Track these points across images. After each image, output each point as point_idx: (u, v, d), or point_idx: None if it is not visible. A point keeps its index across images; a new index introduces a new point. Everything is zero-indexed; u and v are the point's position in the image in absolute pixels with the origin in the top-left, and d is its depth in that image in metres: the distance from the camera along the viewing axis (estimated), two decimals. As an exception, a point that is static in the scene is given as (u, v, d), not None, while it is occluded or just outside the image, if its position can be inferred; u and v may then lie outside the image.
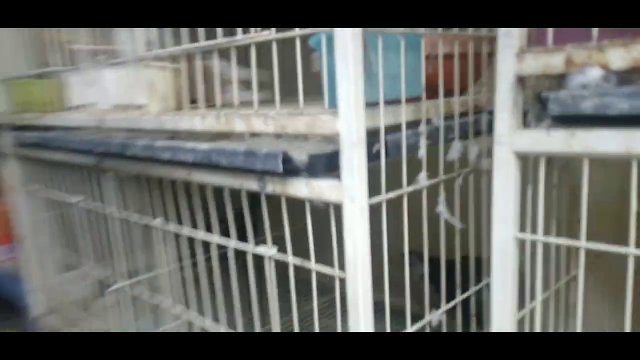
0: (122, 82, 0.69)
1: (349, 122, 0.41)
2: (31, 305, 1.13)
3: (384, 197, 0.46)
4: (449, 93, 0.52)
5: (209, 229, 0.62)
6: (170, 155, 0.57)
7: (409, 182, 0.49)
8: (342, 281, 0.45)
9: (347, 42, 0.39)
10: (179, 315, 0.71)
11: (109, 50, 0.72)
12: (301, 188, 0.46)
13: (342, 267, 0.45)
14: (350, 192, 0.42)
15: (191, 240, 0.65)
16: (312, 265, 0.48)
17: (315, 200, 0.45)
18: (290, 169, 0.45)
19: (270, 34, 0.46)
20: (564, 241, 0.42)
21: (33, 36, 0.87)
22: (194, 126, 0.55)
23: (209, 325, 0.65)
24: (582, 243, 0.39)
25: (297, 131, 0.45)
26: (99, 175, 0.77)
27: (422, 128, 0.49)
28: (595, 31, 0.35)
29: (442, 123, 0.51)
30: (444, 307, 0.56)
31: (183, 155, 0.55)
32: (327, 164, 0.44)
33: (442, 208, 0.52)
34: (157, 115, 0.62)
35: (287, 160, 0.44)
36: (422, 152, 0.49)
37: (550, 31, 0.38)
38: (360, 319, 0.44)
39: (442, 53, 0.50)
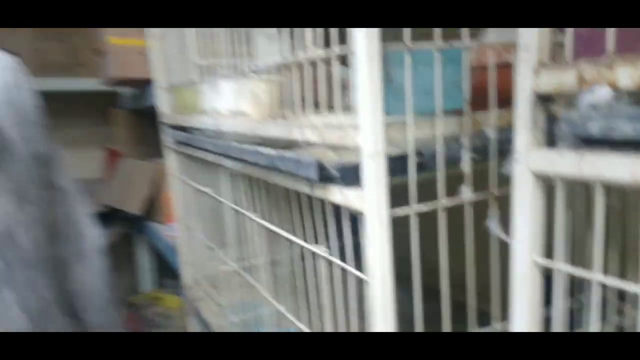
0: (233, 92, 0.79)
1: (365, 135, 0.43)
2: (183, 276, 1.34)
3: (413, 209, 0.47)
4: (506, 104, 0.50)
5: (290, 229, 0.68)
6: (252, 158, 0.64)
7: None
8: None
9: (362, 59, 0.42)
10: (271, 303, 0.79)
11: (230, 63, 0.83)
12: (337, 195, 0.49)
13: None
14: (369, 202, 0.44)
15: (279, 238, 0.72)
16: (347, 266, 0.51)
17: (347, 207, 0.48)
18: (325, 177, 0.49)
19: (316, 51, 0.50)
20: (584, 273, 0.38)
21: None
22: (268, 133, 0.62)
23: (290, 317, 0.71)
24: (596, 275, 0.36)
25: (332, 142, 0.49)
26: (218, 171, 0.89)
27: (465, 141, 0.48)
28: (610, 44, 0.32)
29: (493, 135, 0.50)
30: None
31: (259, 158, 0.62)
32: (354, 174, 0.46)
33: (492, 224, 0.50)
34: (250, 122, 0.70)
35: (321, 168, 0.48)
36: (465, 165, 0.49)
37: (568, 44, 0.35)
38: (379, 322, 0.46)
39: (493, 63, 0.48)
